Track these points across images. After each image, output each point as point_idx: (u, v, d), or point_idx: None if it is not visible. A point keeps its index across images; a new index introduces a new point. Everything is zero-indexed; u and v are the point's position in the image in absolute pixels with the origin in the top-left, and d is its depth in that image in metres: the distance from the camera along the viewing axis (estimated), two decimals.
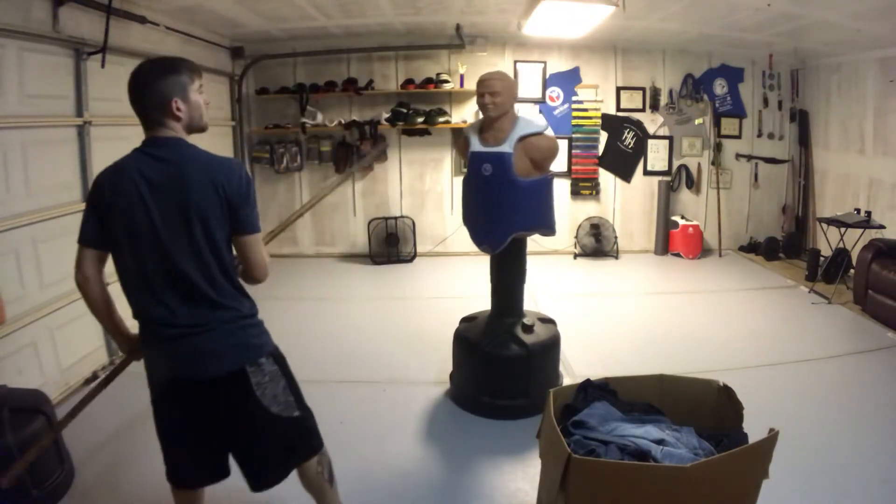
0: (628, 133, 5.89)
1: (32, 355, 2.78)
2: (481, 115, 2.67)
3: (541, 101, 5.75)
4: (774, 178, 6.10)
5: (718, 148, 5.93)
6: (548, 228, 2.76)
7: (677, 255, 5.87)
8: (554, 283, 4.96)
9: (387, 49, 5.49)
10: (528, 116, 2.66)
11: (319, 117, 5.54)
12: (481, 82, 2.56)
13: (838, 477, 2.22)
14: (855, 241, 4.44)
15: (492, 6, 4.37)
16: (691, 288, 4.90)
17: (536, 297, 4.47)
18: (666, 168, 5.97)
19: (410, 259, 5.75)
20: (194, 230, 1.44)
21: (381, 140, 5.62)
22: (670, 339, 3.71)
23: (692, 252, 5.80)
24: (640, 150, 5.94)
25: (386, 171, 5.86)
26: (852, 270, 4.46)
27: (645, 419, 1.73)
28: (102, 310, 1.66)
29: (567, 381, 3.00)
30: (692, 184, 6.02)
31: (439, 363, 3.22)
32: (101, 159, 3.28)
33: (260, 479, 1.64)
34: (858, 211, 4.69)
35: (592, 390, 1.83)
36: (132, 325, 1.64)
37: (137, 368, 2.67)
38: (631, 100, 5.85)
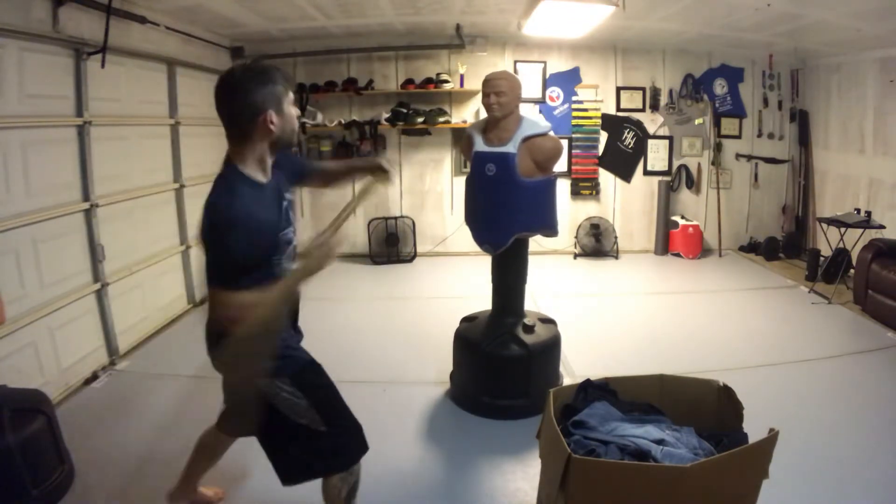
0: (628, 133, 5.89)
1: (32, 355, 2.78)
2: (482, 115, 2.66)
3: (541, 101, 5.75)
4: (774, 178, 6.10)
5: (718, 148, 5.93)
6: (550, 229, 2.76)
7: (677, 255, 5.87)
8: (554, 283, 4.96)
9: (387, 49, 5.49)
10: (533, 117, 2.65)
11: (319, 117, 5.54)
12: (487, 82, 2.55)
13: (838, 477, 2.22)
14: (855, 241, 4.44)
15: (492, 6, 4.37)
16: (691, 288, 4.90)
17: (536, 297, 4.47)
18: (666, 168, 5.97)
19: (410, 259, 5.75)
20: None
21: (380, 140, 5.62)
22: (670, 339, 3.71)
23: (692, 252, 5.80)
24: (640, 150, 5.94)
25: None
26: (852, 270, 4.46)
27: (645, 419, 1.73)
28: None
29: (567, 381, 3.00)
30: (692, 184, 6.02)
31: (439, 363, 3.22)
32: (101, 159, 3.29)
33: (280, 474, 1.65)
34: (858, 211, 4.69)
35: (592, 390, 1.83)
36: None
37: (138, 368, 2.71)
38: (631, 100, 5.85)
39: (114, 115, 3.45)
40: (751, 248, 6.03)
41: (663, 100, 5.85)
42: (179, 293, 4.28)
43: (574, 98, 5.78)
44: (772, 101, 5.93)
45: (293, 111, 1.47)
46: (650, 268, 5.60)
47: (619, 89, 5.83)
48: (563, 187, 5.88)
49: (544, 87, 5.74)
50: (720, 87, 5.88)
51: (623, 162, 5.95)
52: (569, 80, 5.77)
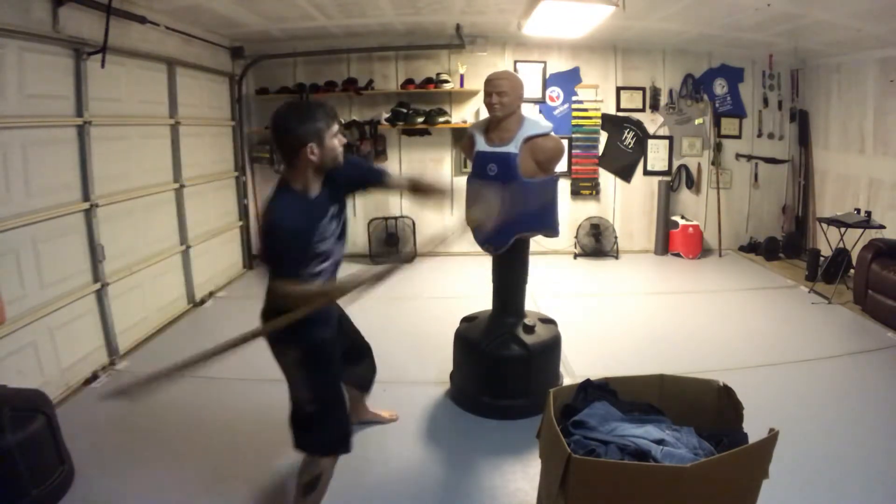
0: (628, 133, 5.89)
1: (32, 355, 2.78)
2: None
3: (541, 101, 5.75)
4: (774, 178, 6.09)
5: (718, 148, 5.93)
6: (551, 230, 2.77)
7: (677, 255, 5.87)
8: (554, 283, 4.96)
9: (387, 49, 5.48)
10: (535, 117, 2.65)
11: None
12: (489, 82, 2.54)
13: (838, 477, 2.22)
14: (855, 241, 4.44)
15: (492, 6, 4.37)
16: (691, 288, 4.90)
17: (536, 297, 4.47)
18: (666, 168, 5.97)
19: (410, 259, 5.75)
20: None
21: (380, 140, 5.62)
22: (670, 339, 3.71)
23: (692, 252, 5.80)
24: (640, 150, 5.94)
25: None
26: (852, 270, 4.46)
27: (645, 419, 1.73)
28: None
29: (567, 381, 3.00)
30: (692, 184, 6.02)
31: (439, 363, 3.22)
32: (101, 159, 3.29)
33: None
34: (858, 211, 4.69)
35: (592, 390, 1.83)
36: None
37: (138, 368, 2.68)
38: (631, 100, 5.85)
39: (114, 115, 3.45)
40: (751, 248, 6.03)
41: (663, 100, 5.85)
42: (179, 293, 4.28)
43: (574, 98, 5.78)
44: (772, 101, 5.93)
45: (335, 143, 1.70)
46: (650, 268, 5.60)
47: (619, 89, 5.83)
48: (563, 187, 5.87)
49: (544, 87, 5.74)
50: (720, 87, 5.88)
51: (623, 162, 5.95)
52: (569, 80, 5.76)
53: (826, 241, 4.81)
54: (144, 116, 3.84)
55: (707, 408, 1.83)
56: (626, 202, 6.04)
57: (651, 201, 6.00)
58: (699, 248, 5.84)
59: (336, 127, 1.70)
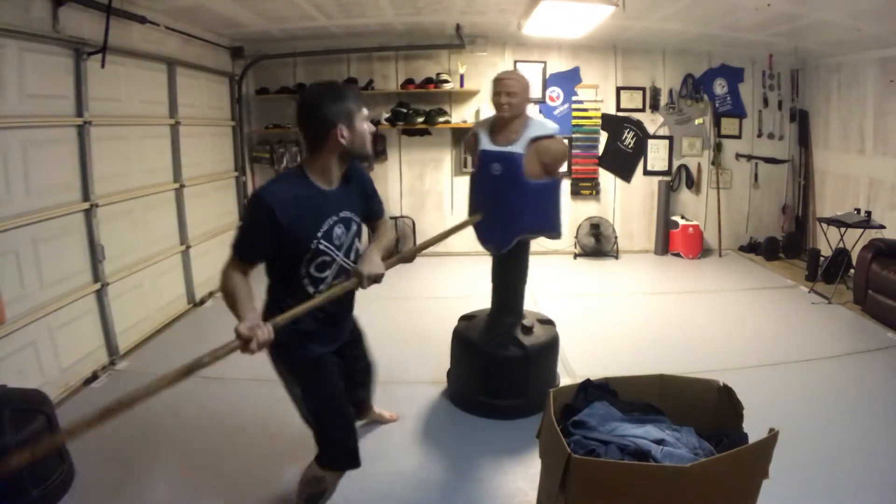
0: (628, 133, 5.89)
1: (32, 355, 2.78)
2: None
3: (541, 102, 5.75)
4: (774, 178, 6.10)
5: (718, 148, 5.93)
6: (554, 231, 2.75)
7: (677, 255, 5.87)
8: (554, 283, 4.96)
9: (387, 49, 5.48)
10: (540, 118, 2.65)
11: None
12: (498, 81, 2.53)
13: (838, 477, 2.21)
14: (855, 241, 4.44)
15: (492, 6, 4.37)
16: (691, 288, 4.90)
17: (536, 297, 4.47)
18: (666, 168, 5.97)
19: (410, 259, 5.75)
20: None
21: (380, 140, 5.62)
22: (670, 339, 3.71)
23: (692, 252, 5.80)
24: (640, 150, 5.94)
25: (386, 171, 5.86)
26: (852, 270, 4.46)
27: (645, 419, 1.73)
28: None
29: (567, 381, 3.00)
30: (692, 184, 6.02)
31: (439, 363, 3.21)
32: (102, 159, 3.29)
33: None
34: (858, 211, 4.69)
35: (592, 390, 1.83)
36: None
37: (138, 368, 2.68)
38: (631, 100, 5.85)
39: (114, 115, 3.45)
40: (751, 248, 6.03)
41: (663, 100, 5.86)
42: (179, 293, 4.28)
43: (574, 98, 5.78)
44: (772, 101, 5.93)
45: (365, 127, 1.62)
46: (650, 268, 5.60)
47: (619, 89, 5.83)
48: (563, 187, 5.86)
49: (544, 87, 5.74)
50: (720, 87, 5.88)
51: (623, 162, 5.95)
52: (569, 80, 5.77)
53: (826, 241, 4.81)
54: (144, 116, 3.84)
55: (707, 408, 1.82)
56: (626, 202, 6.04)
57: (651, 201, 6.00)
58: (699, 248, 5.84)
59: (365, 111, 1.62)
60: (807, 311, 4.23)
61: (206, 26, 4.56)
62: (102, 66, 3.19)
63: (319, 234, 1.62)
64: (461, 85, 5.50)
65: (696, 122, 5.92)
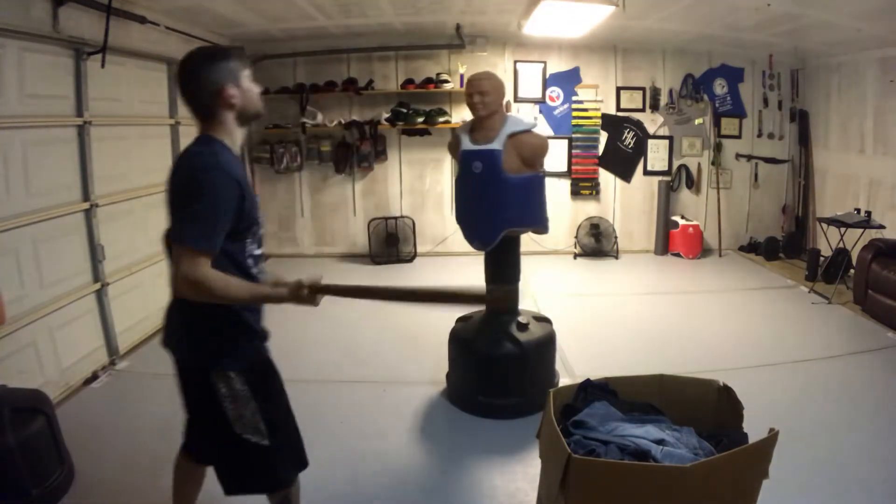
0: (628, 133, 5.89)
1: (32, 355, 2.78)
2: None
3: (541, 101, 5.75)
4: (774, 178, 6.09)
5: (718, 148, 5.93)
6: (539, 226, 2.78)
7: (677, 255, 5.87)
8: (554, 283, 4.96)
9: (387, 49, 5.49)
10: (517, 115, 2.70)
11: (319, 117, 5.54)
12: (470, 83, 2.63)
13: (838, 476, 2.22)
14: (855, 241, 4.44)
15: (492, 6, 4.37)
16: (691, 288, 4.90)
17: (537, 297, 4.47)
18: (666, 168, 5.97)
19: (410, 259, 5.75)
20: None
21: (380, 140, 5.63)
22: (670, 339, 3.71)
23: (692, 252, 5.79)
24: (640, 150, 5.93)
25: (386, 171, 5.86)
26: (852, 270, 4.46)
27: (645, 419, 1.73)
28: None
29: (566, 380, 3.01)
30: (692, 184, 6.02)
31: (439, 363, 3.21)
32: (101, 159, 3.29)
33: (222, 484, 1.59)
34: (858, 211, 4.69)
35: (592, 390, 1.83)
36: None
37: (138, 368, 2.69)
38: (631, 100, 5.85)
39: (114, 115, 3.45)
40: (751, 248, 6.03)
41: (663, 100, 5.85)
42: None
43: (574, 98, 5.78)
44: (772, 101, 5.93)
45: (252, 86, 1.49)
46: (650, 268, 5.60)
47: (619, 89, 5.83)
48: (563, 187, 5.88)
49: (544, 87, 5.74)
50: (720, 87, 5.88)
51: (623, 162, 5.95)
52: (569, 80, 5.76)
53: (826, 241, 4.80)
54: (144, 116, 3.84)
55: (707, 408, 1.82)
56: (626, 202, 6.04)
57: (651, 201, 5.99)
58: (699, 248, 5.84)
59: (249, 71, 1.48)
60: (807, 311, 4.23)
61: (206, 26, 4.56)
62: (102, 66, 3.19)
63: (258, 202, 1.52)
64: (461, 85, 5.49)
65: (696, 122, 5.92)
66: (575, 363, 3.29)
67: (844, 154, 5.33)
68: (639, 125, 5.88)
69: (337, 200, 5.91)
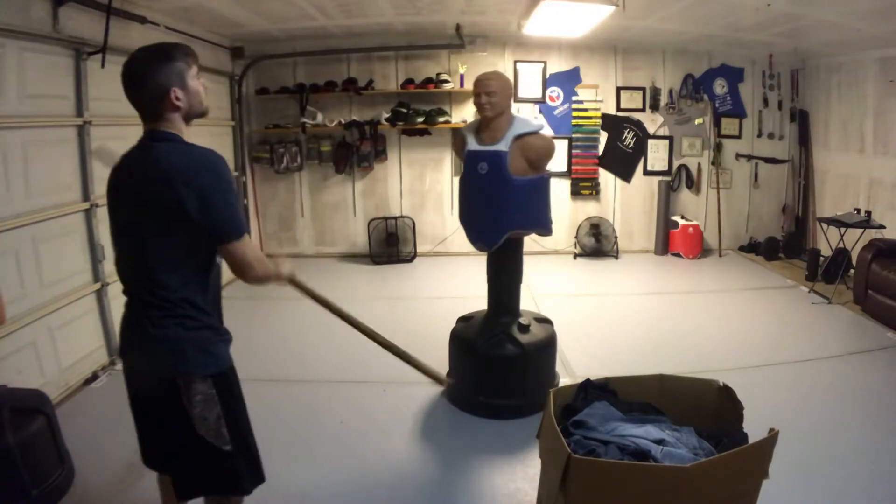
0: (628, 133, 5.89)
1: (32, 355, 2.78)
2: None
3: (541, 101, 5.75)
4: (774, 178, 6.09)
5: (718, 148, 5.93)
6: (543, 228, 2.77)
7: (677, 255, 5.87)
8: (554, 283, 4.96)
9: (387, 49, 5.49)
10: (525, 116, 2.68)
11: (319, 117, 5.54)
12: (478, 82, 2.59)
13: (838, 477, 2.22)
14: (855, 241, 4.44)
15: (492, 6, 4.37)
16: (691, 288, 4.90)
17: (537, 297, 4.47)
18: (666, 168, 5.97)
19: (410, 259, 5.75)
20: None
21: (380, 140, 5.63)
22: (670, 339, 3.71)
23: (692, 252, 5.80)
24: (640, 150, 5.94)
25: (386, 171, 5.86)
26: (852, 270, 4.46)
27: (645, 419, 1.73)
28: None
29: (566, 380, 3.00)
30: (692, 184, 6.02)
31: (439, 363, 3.20)
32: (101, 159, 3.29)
33: (176, 489, 1.56)
34: (858, 211, 4.69)
35: (592, 390, 1.83)
36: None
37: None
38: (631, 100, 5.85)
39: (114, 115, 3.44)
40: (751, 248, 6.03)
41: (663, 100, 5.85)
42: None
43: (574, 98, 5.78)
44: (772, 101, 5.93)
45: (198, 84, 1.49)
46: (650, 268, 5.60)
47: (619, 89, 5.83)
48: (563, 187, 5.88)
49: (544, 87, 5.74)
50: (720, 87, 5.88)
51: (623, 162, 5.95)
52: (569, 80, 5.77)
53: (826, 241, 4.81)
54: None
55: (707, 408, 1.83)
56: (626, 202, 6.04)
57: (651, 201, 6.00)
58: (699, 248, 5.84)
59: (196, 68, 1.49)
60: (807, 311, 4.23)
61: (206, 26, 4.56)
62: (102, 66, 3.19)
63: None
64: (461, 85, 5.51)
65: (696, 122, 5.92)
66: (575, 363, 3.29)
67: (844, 154, 5.33)
68: (639, 125, 5.88)
69: (337, 200, 5.91)
